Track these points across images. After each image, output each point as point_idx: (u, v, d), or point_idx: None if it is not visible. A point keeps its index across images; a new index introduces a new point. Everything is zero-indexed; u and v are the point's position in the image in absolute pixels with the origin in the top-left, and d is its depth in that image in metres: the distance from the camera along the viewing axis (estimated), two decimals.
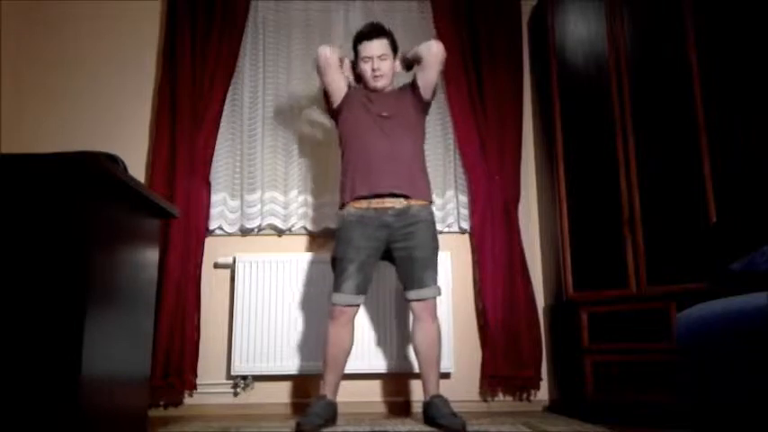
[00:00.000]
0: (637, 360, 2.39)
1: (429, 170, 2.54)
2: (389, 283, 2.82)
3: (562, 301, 2.71)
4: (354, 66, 2.56)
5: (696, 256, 2.30)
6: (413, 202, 2.38)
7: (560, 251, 2.71)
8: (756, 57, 2.28)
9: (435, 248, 2.41)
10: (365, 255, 2.33)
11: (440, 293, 2.38)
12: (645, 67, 2.57)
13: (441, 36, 3.07)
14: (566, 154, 2.77)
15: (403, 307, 2.78)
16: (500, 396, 2.89)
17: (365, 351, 2.79)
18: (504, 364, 2.81)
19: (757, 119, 2.25)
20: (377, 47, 2.46)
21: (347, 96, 2.50)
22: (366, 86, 2.54)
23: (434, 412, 2.27)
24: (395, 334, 2.83)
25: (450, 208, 3.05)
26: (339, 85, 2.49)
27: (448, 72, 3.04)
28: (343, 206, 2.42)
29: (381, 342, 2.83)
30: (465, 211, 3.03)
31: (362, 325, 2.81)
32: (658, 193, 2.46)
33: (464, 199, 3.04)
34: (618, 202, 2.55)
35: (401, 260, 2.37)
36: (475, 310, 2.96)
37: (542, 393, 2.89)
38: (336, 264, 2.36)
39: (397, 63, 2.56)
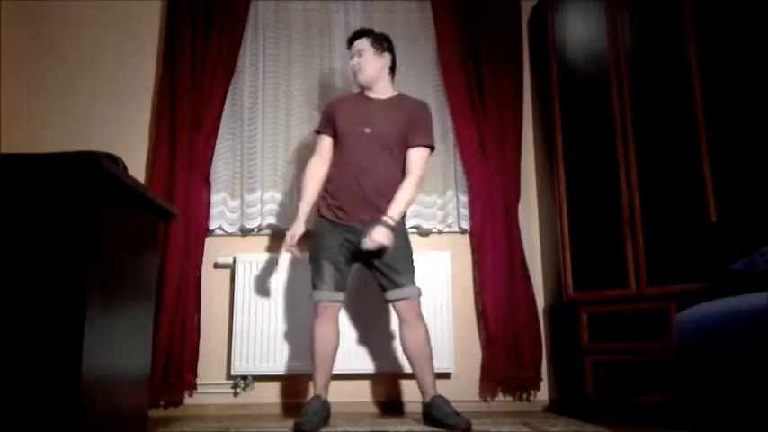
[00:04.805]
0: (637, 360, 2.39)
1: (429, 170, 2.53)
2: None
3: (562, 301, 2.71)
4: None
5: (696, 256, 2.30)
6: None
7: (560, 251, 2.71)
8: (756, 57, 2.29)
9: (407, 249, 2.41)
10: (338, 254, 2.36)
11: (420, 293, 2.37)
12: (645, 67, 2.57)
13: (440, 36, 3.08)
14: (566, 154, 2.77)
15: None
16: (500, 396, 2.89)
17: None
18: (504, 365, 2.80)
19: (757, 119, 2.26)
20: (355, 45, 2.54)
21: (336, 122, 2.49)
22: (359, 90, 2.56)
23: (438, 413, 2.27)
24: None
25: (450, 208, 3.05)
26: (330, 140, 2.52)
27: (448, 72, 3.05)
28: (319, 210, 2.45)
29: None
30: (465, 211, 3.03)
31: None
32: (658, 193, 2.46)
33: (464, 199, 3.04)
34: (618, 202, 2.55)
35: (374, 263, 2.37)
36: (475, 310, 2.96)
37: (542, 393, 2.89)
38: (313, 263, 2.40)
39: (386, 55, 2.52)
